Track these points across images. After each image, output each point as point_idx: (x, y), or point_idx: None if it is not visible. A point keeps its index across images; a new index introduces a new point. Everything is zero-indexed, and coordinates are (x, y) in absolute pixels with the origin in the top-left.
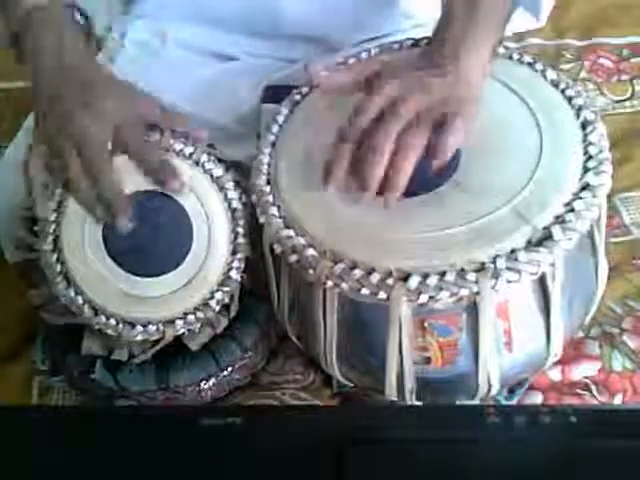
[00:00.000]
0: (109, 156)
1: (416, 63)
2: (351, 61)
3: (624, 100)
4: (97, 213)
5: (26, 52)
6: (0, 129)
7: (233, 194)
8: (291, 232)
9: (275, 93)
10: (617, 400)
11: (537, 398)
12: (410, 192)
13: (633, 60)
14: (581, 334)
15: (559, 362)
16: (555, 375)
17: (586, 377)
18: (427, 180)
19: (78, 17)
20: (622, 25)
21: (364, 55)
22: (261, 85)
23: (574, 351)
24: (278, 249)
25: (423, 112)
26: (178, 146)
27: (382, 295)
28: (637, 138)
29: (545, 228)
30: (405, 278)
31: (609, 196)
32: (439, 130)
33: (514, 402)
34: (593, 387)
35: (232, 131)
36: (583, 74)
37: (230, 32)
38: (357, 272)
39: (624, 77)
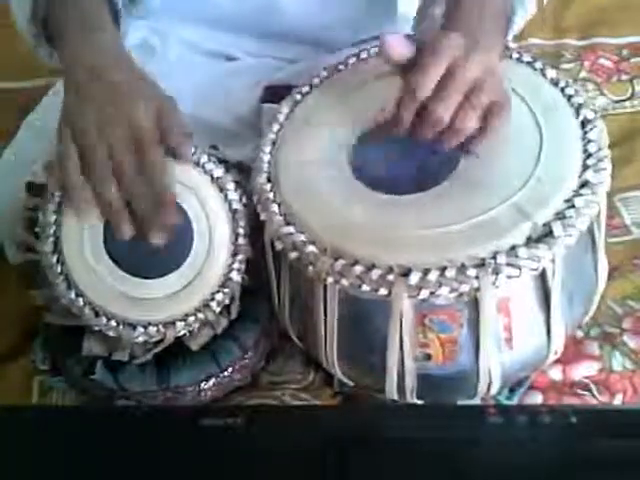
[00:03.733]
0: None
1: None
2: (351, 61)
3: (624, 100)
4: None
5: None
6: (0, 129)
7: (234, 195)
8: (291, 229)
9: (275, 93)
10: (617, 400)
11: (537, 398)
12: (411, 188)
13: (633, 60)
14: (581, 334)
15: (559, 362)
16: (555, 375)
17: (586, 377)
18: (428, 176)
19: None
20: (622, 25)
21: (364, 55)
22: (261, 85)
23: (574, 351)
24: (279, 246)
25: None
26: None
27: (383, 291)
28: (637, 138)
29: (545, 224)
30: (406, 274)
31: (609, 196)
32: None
33: (514, 402)
34: (593, 387)
35: (232, 131)
36: (583, 74)
37: (230, 32)
38: (357, 268)
39: (624, 77)
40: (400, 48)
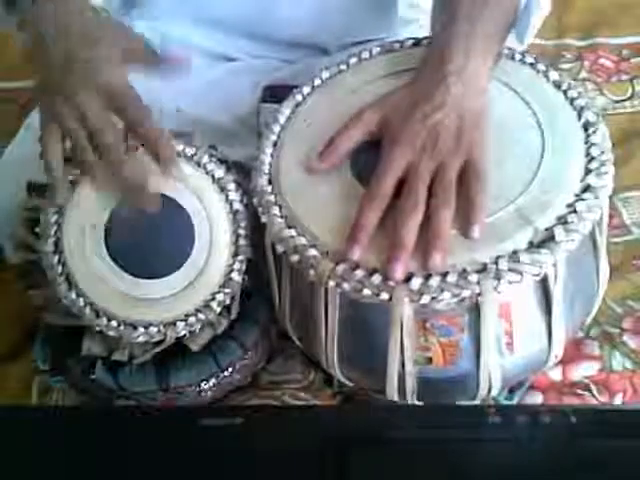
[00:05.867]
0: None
1: (415, 94)
2: (353, 61)
3: (624, 100)
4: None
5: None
6: (0, 129)
7: (234, 195)
8: (293, 232)
9: (275, 93)
10: (617, 400)
11: (537, 398)
12: None
13: (633, 60)
14: (581, 334)
15: (559, 362)
16: (555, 375)
17: (586, 377)
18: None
19: None
20: (622, 25)
21: (365, 55)
22: (261, 85)
23: (574, 351)
24: (280, 249)
25: (443, 164)
26: (180, 147)
27: (384, 296)
28: (637, 138)
29: (547, 229)
30: (407, 279)
31: (609, 196)
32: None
33: (514, 402)
34: (593, 387)
35: (232, 131)
36: (583, 74)
37: (229, 34)
38: (359, 273)
39: (624, 77)
40: None
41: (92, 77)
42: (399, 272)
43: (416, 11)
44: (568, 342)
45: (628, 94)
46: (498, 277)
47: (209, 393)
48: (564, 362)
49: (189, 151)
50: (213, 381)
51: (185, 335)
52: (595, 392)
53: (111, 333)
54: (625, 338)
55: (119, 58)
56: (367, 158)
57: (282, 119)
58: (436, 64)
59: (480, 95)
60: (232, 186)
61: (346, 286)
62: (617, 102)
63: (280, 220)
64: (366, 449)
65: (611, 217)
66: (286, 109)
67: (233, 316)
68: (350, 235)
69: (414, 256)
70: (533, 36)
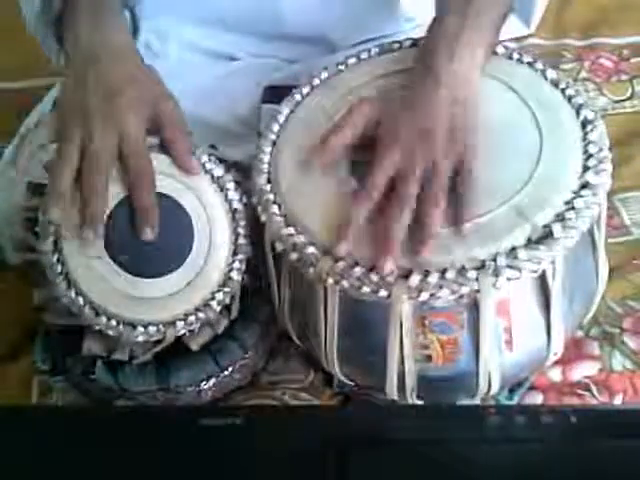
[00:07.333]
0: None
1: (406, 96)
2: (351, 61)
3: (624, 100)
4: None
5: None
6: (0, 129)
7: (234, 195)
8: (292, 230)
9: (275, 93)
10: (617, 400)
11: (537, 398)
12: None
13: (633, 60)
14: (581, 334)
15: (559, 362)
16: (555, 375)
17: (586, 377)
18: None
19: None
20: (622, 25)
21: (364, 55)
22: (261, 85)
23: (574, 351)
24: (279, 247)
25: (435, 163)
26: None
27: (383, 293)
28: (637, 138)
29: (545, 226)
30: (406, 276)
31: (609, 196)
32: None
33: (514, 402)
34: (593, 387)
35: (232, 131)
36: (583, 74)
37: (230, 32)
38: (358, 270)
39: (624, 77)
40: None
41: (111, 117)
42: (387, 268)
43: (416, 5)
44: (568, 341)
45: (628, 94)
46: (496, 274)
47: (209, 393)
48: (564, 362)
49: None
50: (213, 381)
51: (185, 334)
52: (595, 392)
53: (110, 332)
54: (625, 338)
55: (142, 108)
56: (365, 156)
57: (281, 119)
58: (424, 66)
59: (470, 92)
60: (231, 185)
61: (345, 283)
62: (617, 102)
63: (279, 218)
64: (366, 449)
65: (611, 217)
66: (285, 109)
67: (233, 316)
68: (338, 232)
69: (404, 253)
70: (540, 18)
